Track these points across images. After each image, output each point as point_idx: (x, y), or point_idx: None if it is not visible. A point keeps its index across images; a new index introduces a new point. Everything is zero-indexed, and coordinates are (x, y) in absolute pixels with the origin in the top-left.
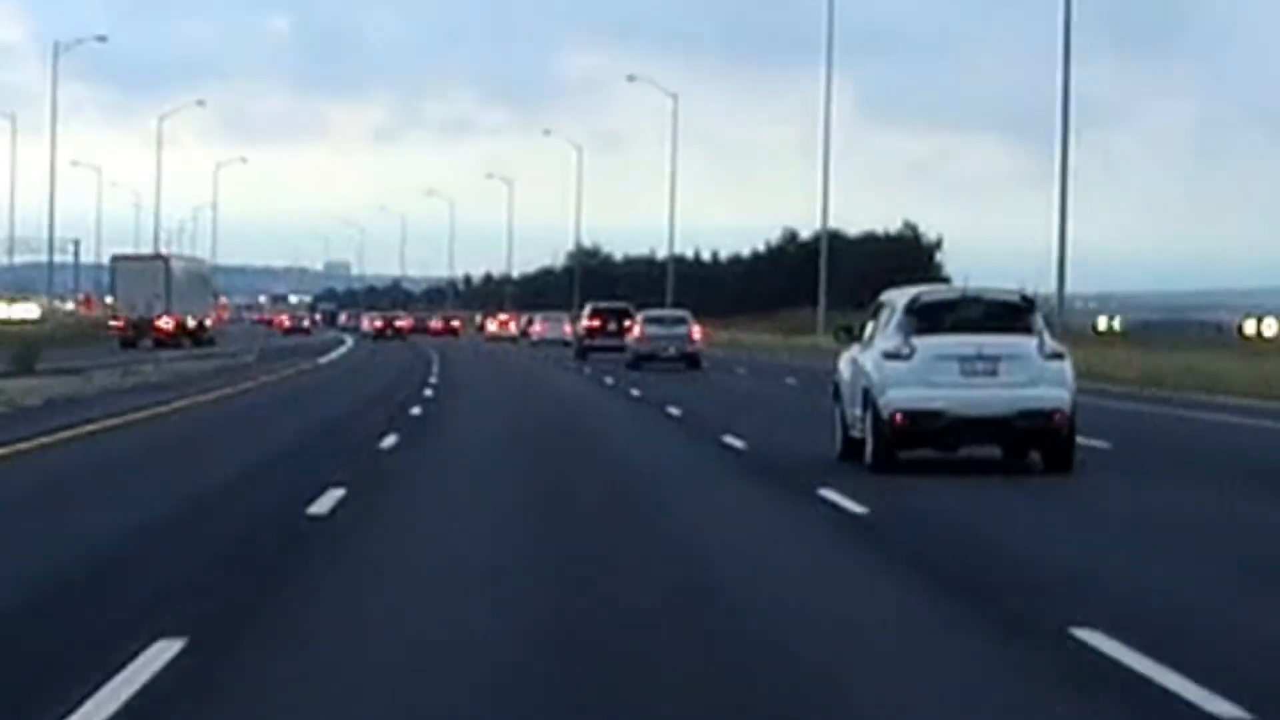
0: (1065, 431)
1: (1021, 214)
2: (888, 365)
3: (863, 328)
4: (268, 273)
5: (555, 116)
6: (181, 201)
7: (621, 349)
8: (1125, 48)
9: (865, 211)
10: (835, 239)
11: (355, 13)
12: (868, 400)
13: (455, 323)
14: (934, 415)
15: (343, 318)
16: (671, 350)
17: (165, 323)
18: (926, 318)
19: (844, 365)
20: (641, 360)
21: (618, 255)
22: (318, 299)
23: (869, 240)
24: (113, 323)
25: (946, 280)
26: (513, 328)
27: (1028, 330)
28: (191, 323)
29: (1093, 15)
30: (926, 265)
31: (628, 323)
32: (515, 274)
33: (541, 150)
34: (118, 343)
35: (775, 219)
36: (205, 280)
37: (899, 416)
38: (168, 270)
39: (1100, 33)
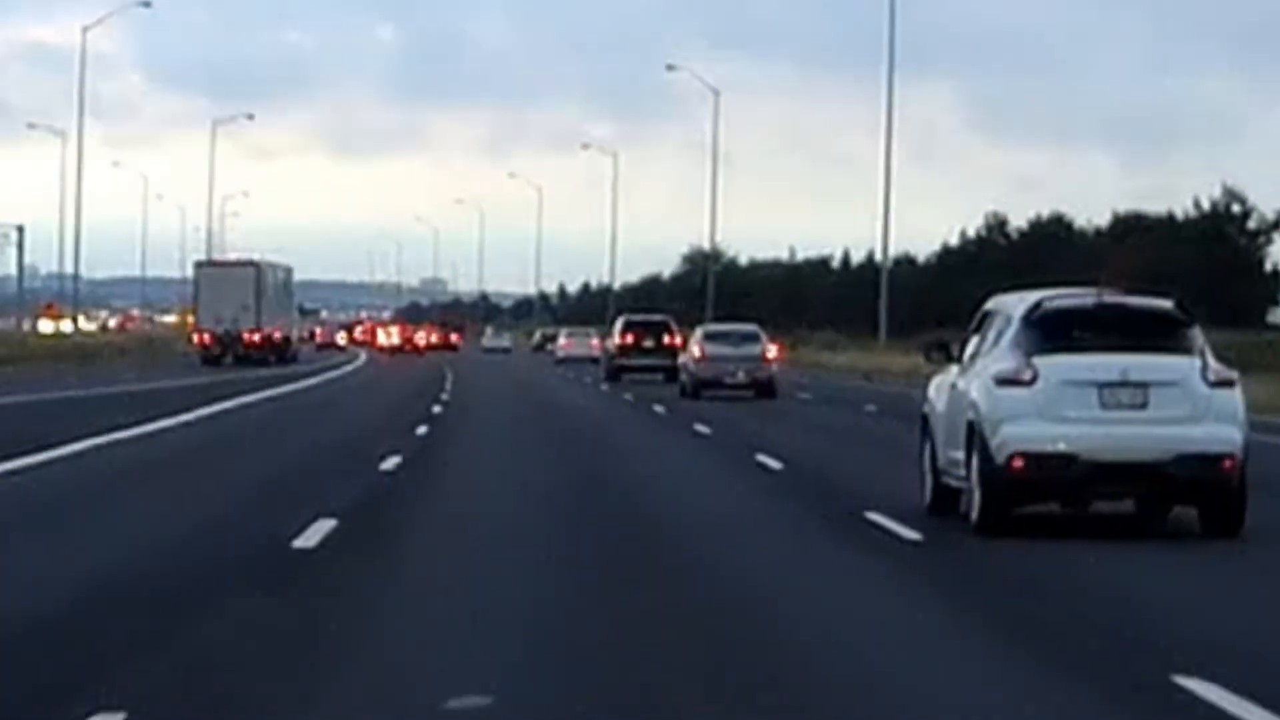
0: (1235, 483)
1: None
2: (1002, 394)
3: (963, 345)
4: (361, 288)
5: (659, 128)
6: (275, 212)
7: (659, 369)
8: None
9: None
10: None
11: (460, 22)
12: (973, 439)
13: (454, 336)
14: (1064, 460)
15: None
16: (740, 375)
17: (254, 336)
18: (1052, 331)
19: (937, 392)
20: (702, 387)
21: (743, 259)
22: (399, 314)
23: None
24: (195, 337)
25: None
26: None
27: (1186, 349)
28: (278, 336)
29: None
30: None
31: (667, 339)
32: (618, 284)
33: (644, 161)
34: (198, 359)
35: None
36: (290, 290)
37: (1018, 461)
38: (259, 278)
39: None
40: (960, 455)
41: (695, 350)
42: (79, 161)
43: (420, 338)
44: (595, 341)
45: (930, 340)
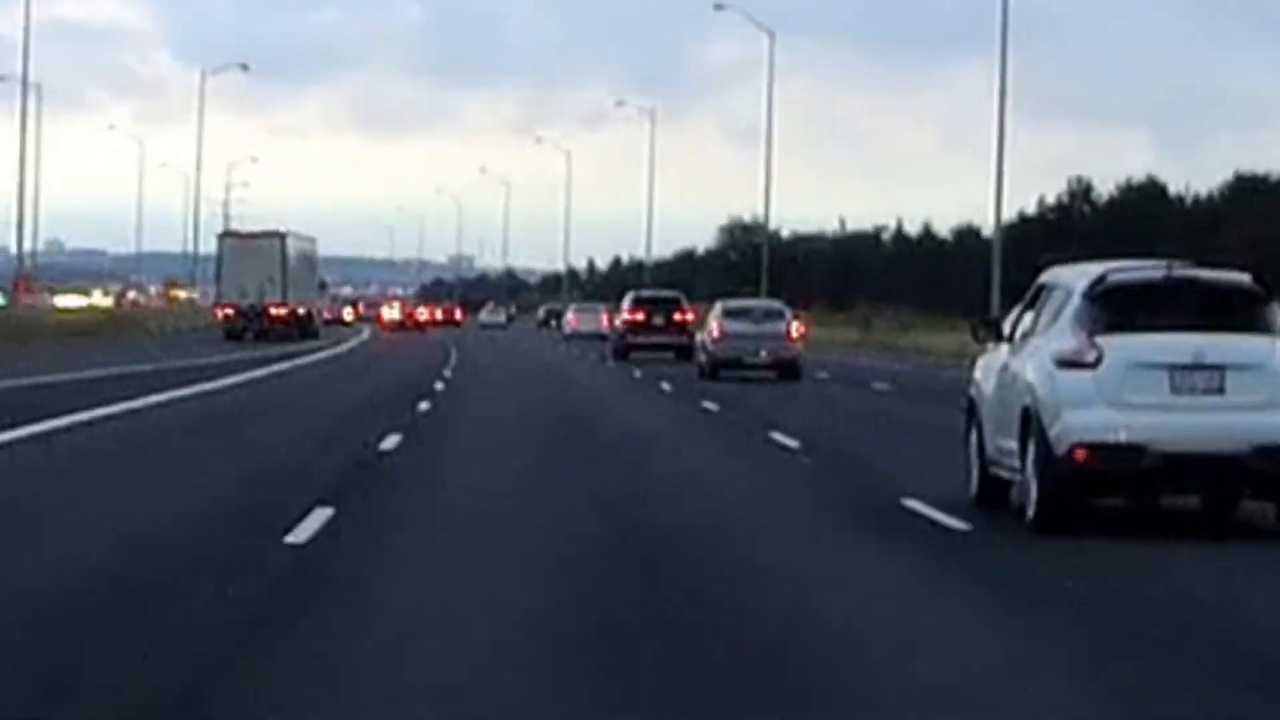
0: None
1: None
2: (1062, 377)
3: (1015, 322)
4: (387, 264)
5: (692, 106)
6: (300, 188)
7: (670, 346)
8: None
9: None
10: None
11: (492, 2)
12: (1029, 426)
13: (457, 312)
14: (1132, 451)
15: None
16: (762, 354)
17: (279, 311)
18: (1117, 307)
19: (984, 374)
20: (720, 367)
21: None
22: (423, 290)
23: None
24: (220, 311)
25: None
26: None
27: (1266, 328)
28: (302, 311)
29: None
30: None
31: (678, 315)
32: (651, 259)
33: (674, 139)
34: (222, 334)
35: (910, 211)
36: (315, 264)
37: (1080, 452)
38: (283, 249)
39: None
40: (1012, 444)
41: (713, 328)
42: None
43: (421, 313)
44: (603, 318)
45: (981, 319)
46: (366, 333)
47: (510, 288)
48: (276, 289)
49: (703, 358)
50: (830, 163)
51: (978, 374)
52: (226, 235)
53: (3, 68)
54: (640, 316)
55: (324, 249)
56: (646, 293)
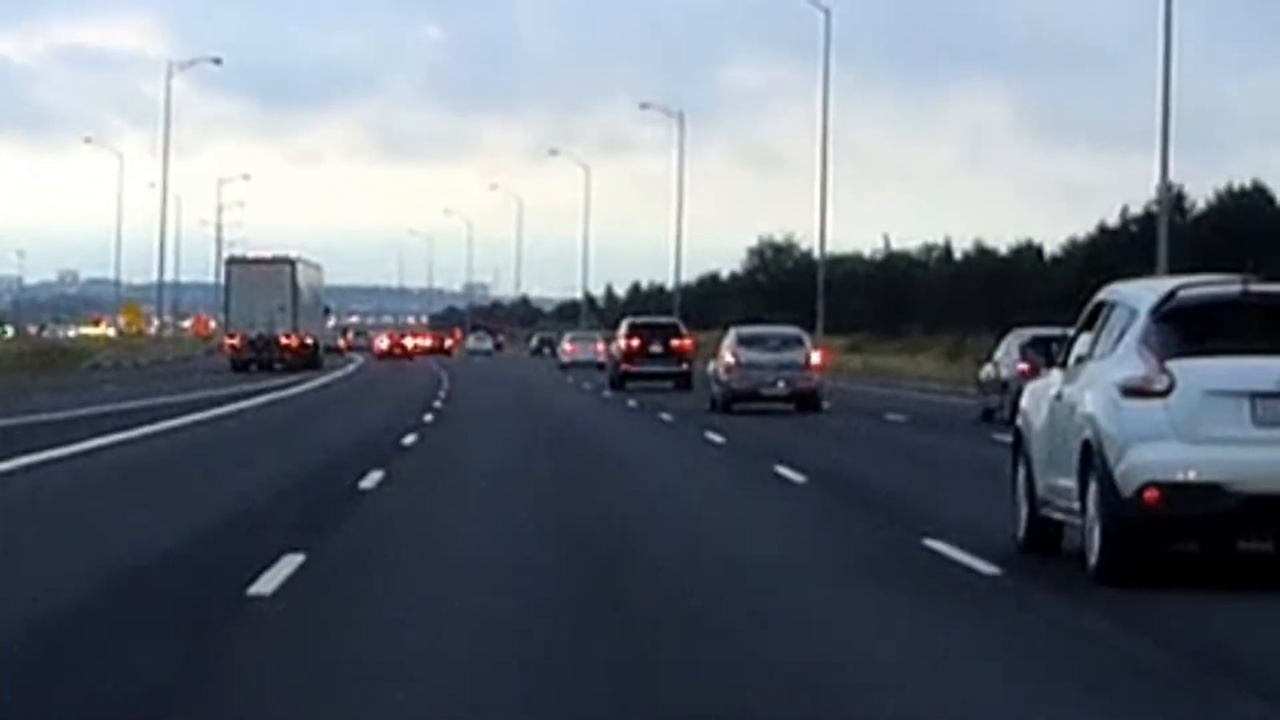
0: None
1: None
2: (1129, 407)
3: (1068, 344)
4: (402, 293)
5: (711, 131)
6: (314, 215)
7: (668, 376)
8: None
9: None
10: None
11: (505, 24)
12: (1089, 463)
13: (447, 341)
14: (1209, 492)
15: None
16: (780, 385)
17: (290, 341)
18: (1190, 328)
19: (1034, 403)
20: (736, 400)
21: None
22: (435, 319)
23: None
24: (228, 341)
25: None
26: (599, 349)
27: None
28: (309, 341)
29: None
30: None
31: (676, 342)
32: (671, 284)
33: (693, 164)
34: (229, 365)
35: (924, 233)
36: (320, 291)
37: (1151, 493)
38: (294, 277)
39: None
40: (1068, 483)
41: (727, 357)
42: None
43: (409, 342)
44: (599, 346)
45: (1028, 338)
46: (353, 365)
47: (525, 316)
48: (287, 318)
49: (716, 389)
50: (851, 185)
51: (1026, 403)
52: (234, 262)
53: (14, 95)
54: (636, 344)
55: (336, 277)
56: (642, 319)
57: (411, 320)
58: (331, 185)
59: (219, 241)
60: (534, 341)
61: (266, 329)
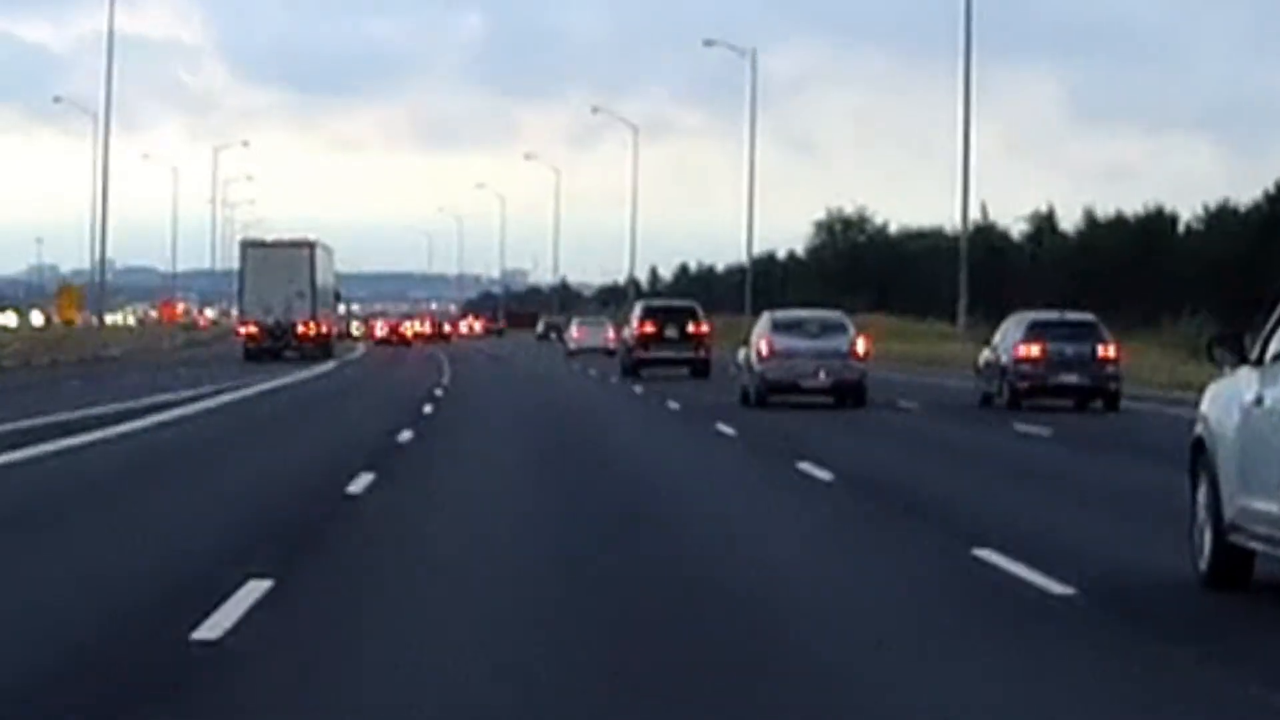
0: None
1: None
2: None
3: (1265, 338)
4: (440, 280)
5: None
6: (353, 203)
7: (684, 362)
8: None
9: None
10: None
11: (548, 11)
12: None
13: (446, 326)
14: None
15: None
16: (821, 376)
17: (308, 329)
18: None
19: (1221, 408)
20: (771, 392)
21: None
22: (470, 304)
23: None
24: (241, 329)
25: None
26: (609, 335)
27: None
28: (325, 329)
29: None
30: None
31: (693, 327)
32: (719, 266)
33: (733, 148)
34: (242, 354)
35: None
36: (333, 277)
37: None
38: (313, 260)
39: None
40: (1270, 507)
41: (761, 345)
42: None
43: (407, 329)
44: (609, 331)
45: (1211, 334)
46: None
47: (565, 300)
48: (306, 304)
49: (746, 380)
50: (897, 167)
51: (1207, 408)
52: (249, 244)
53: (55, 84)
54: (651, 329)
55: (370, 264)
56: (658, 302)
57: (435, 306)
58: (367, 172)
59: (213, 219)
60: (540, 326)
61: (284, 316)
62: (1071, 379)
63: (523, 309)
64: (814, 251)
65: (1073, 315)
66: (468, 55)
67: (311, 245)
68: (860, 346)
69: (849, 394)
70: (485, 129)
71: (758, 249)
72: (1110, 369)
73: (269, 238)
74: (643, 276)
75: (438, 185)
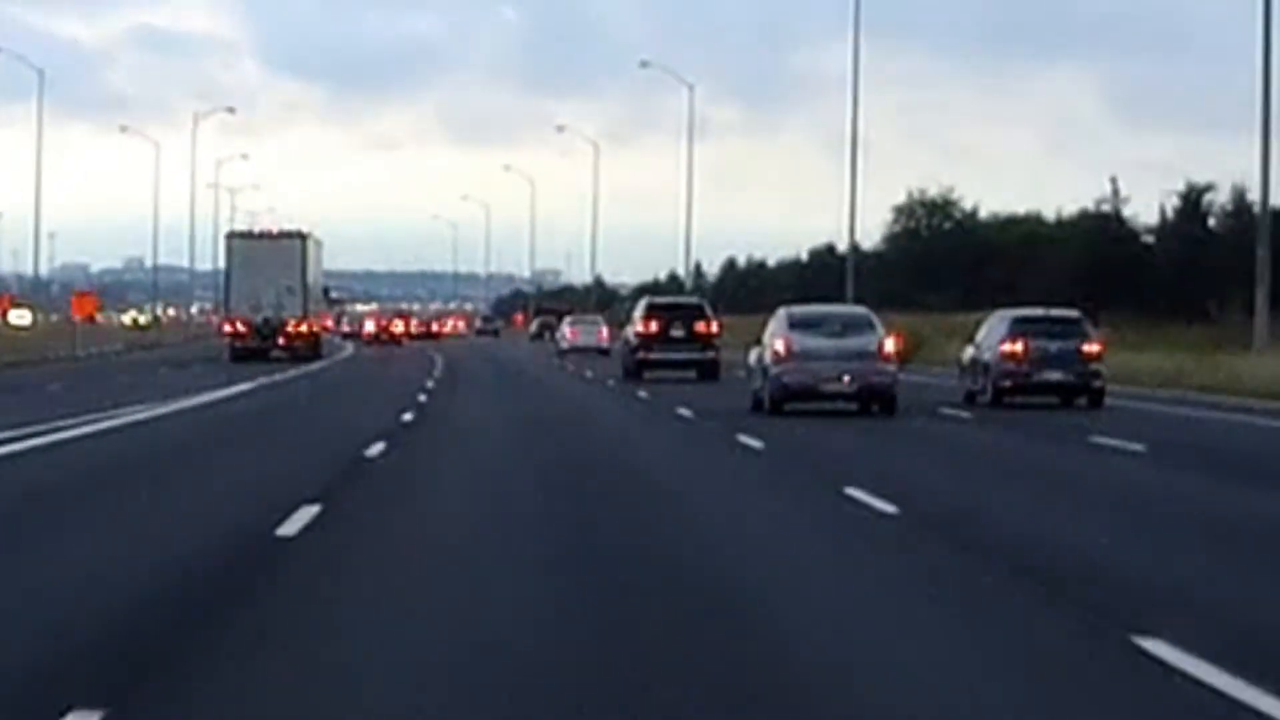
0: None
1: None
2: None
3: None
4: (472, 279)
5: (788, 113)
6: (384, 201)
7: (691, 364)
8: None
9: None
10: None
11: (583, 7)
12: None
13: (434, 325)
14: None
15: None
16: (845, 380)
17: (299, 327)
18: None
19: None
20: (789, 398)
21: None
22: (499, 303)
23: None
24: (227, 328)
25: None
26: (601, 334)
27: None
28: (316, 328)
29: None
30: None
31: (700, 326)
32: (770, 261)
33: (769, 148)
34: (228, 354)
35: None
36: (320, 272)
37: None
38: (304, 253)
39: None
40: None
41: (778, 344)
42: None
43: (397, 327)
44: (603, 331)
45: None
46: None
47: (601, 298)
48: (297, 301)
49: (759, 384)
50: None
51: None
52: (235, 236)
53: (89, 79)
54: (655, 328)
55: (398, 263)
56: (663, 299)
57: (457, 305)
58: (399, 169)
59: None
60: (534, 325)
61: (273, 313)
62: (1055, 376)
63: (556, 307)
64: (891, 240)
65: (1056, 312)
66: (501, 50)
67: (303, 236)
68: (889, 346)
69: (876, 401)
70: (515, 126)
71: (820, 241)
72: (1094, 365)
73: (256, 228)
74: (684, 273)
75: (469, 182)
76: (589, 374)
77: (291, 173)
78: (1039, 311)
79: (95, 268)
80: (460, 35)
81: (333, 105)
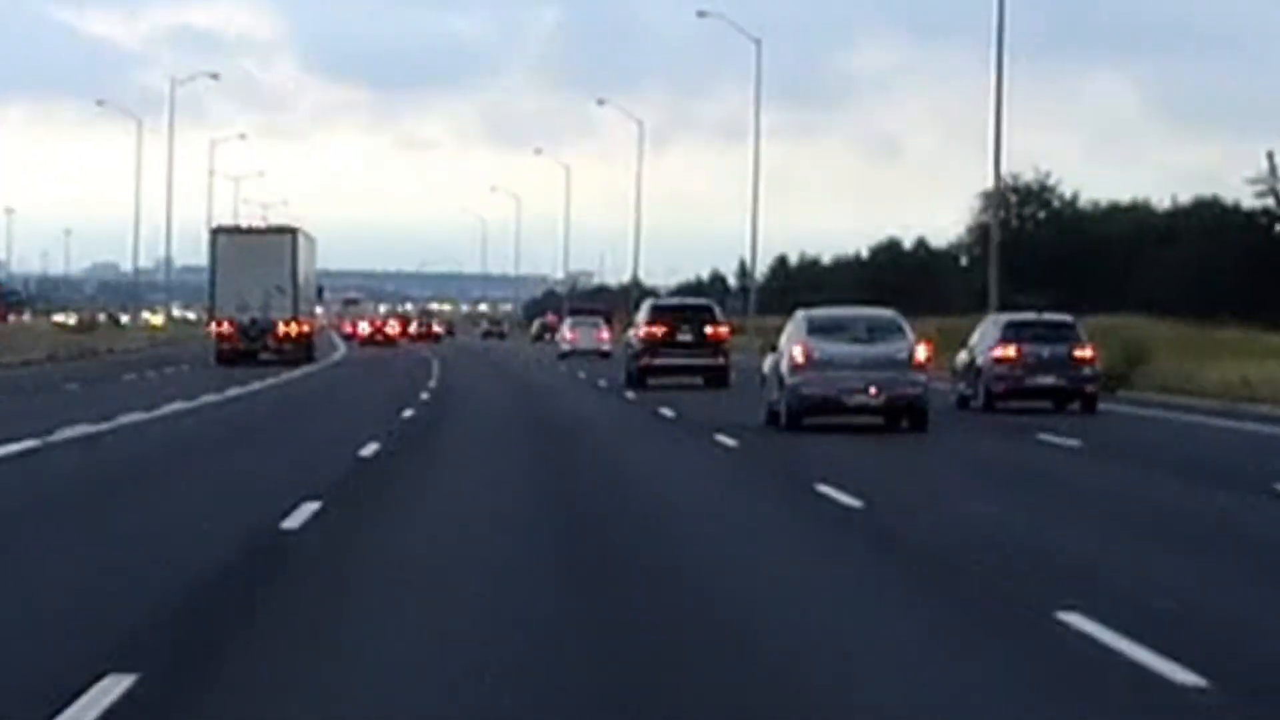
0: None
1: None
2: None
3: None
4: (503, 280)
5: (831, 117)
6: (422, 202)
7: (699, 369)
8: None
9: None
10: None
11: (625, 8)
12: None
13: (434, 326)
14: None
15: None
16: (871, 391)
17: (289, 329)
18: None
19: None
20: (808, 412)
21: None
22: (531, 304)
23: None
24: (215, 329)
25: None
26: (602, 336)
27: None
28: (307, 329)
29: None
30: None
31: (710, 330)
32: (824, 258)
33: (811, 151)
34: (215, 358)
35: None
36: (314, 270)
37: None
38: (294, 249)
39: None
40: None
41: (795, 351)
42: None
43: (392, 328)
44: (603, 332)
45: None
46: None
47: (638, 299)
48: (287, 300)
49: (775, 396)
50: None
51: None
52: (221, 231)
53: (122, 78)
54: (661, 331)
55: (432, 263)
56: (669, 301)
57: (485, 306)
58: (436, 169)
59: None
60: (534, 327)
61: (261, 313)
62: (1048, 381)
63: (592, 307)
64: (973, 232)
65: (1049, 316)
66: (541, 52)
67: (293, 232)
68: (921, 353)
69: (906, 415)
70: (554, 128)
71: (882, 236)
72: (1087, 370)
73: (244, 223)
74: (721, 270)
75: (503, 180)
76: (582, 373)
77: (324, 174)
78: (1031, 316)
79: (126, 266)
80: (499, 36)
81: (369, 107)
